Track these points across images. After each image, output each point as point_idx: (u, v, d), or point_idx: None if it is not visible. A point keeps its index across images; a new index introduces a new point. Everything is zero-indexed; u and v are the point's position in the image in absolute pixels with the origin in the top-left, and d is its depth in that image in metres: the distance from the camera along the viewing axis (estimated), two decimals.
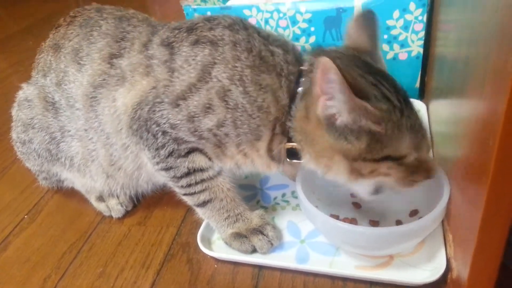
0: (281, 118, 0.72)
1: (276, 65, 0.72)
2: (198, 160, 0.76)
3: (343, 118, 0.63)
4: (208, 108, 0.71)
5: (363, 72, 0.66)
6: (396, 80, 0.69)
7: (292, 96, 0.71)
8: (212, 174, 0.78)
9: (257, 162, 0.76)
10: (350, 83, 0.59)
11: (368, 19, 0.75)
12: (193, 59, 0.72)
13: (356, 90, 0.60)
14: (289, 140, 0.73)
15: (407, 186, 0.68)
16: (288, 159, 0.76)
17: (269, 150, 0.74)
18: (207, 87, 0.71)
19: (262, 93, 0.70)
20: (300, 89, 0.71)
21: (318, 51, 0.73)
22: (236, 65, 0.71)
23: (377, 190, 0.70)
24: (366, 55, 0.72)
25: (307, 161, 0.73)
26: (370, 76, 0.66)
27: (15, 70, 1.81)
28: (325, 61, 0.58)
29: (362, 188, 0.71)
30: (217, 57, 0.71)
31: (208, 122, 0.71)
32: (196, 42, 0.73)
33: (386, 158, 0.65)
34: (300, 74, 0.72)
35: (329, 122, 0.65)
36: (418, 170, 0.67)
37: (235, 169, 0.79)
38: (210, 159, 0.77)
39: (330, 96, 0.62)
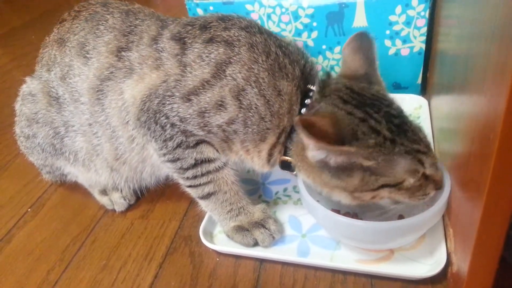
0: (287, 129, 0.73)
1: (295, 78, 0.72)
2: (207, 151, 0.77)
3: (332, 161, 0.66)
4: (220, 105, 0.71)
5: (353, 106, 0.67)
6: (392, 104, 0.70)
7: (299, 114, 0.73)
8: (219, 166, 0.79)
9: (255, 161, 0.78)
10: (330, 134, 0.62)
11: (362, 41, 0.75)
12: (207, 56, 0.72)
13: (338, 137, 0.62)
14: (285, 153, 0.75)
15: (419, 200, 0.69)
16: (280, 168, 0.78)
17: (270, 154, 0.76)
18: (220, 84, 0.71)
19: (280, 99, 0.71)
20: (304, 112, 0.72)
21: (324, 80, 0.74)
22: (253, 67, 0.71)
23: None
24: (362, 80, 0.73)
25: (304, 178, 0.76)
26: (359, 110, 0.67)
27: (18, 64, 1.82)
28: (298, 122, 0.61)
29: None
30: (233, 57, 0.72)
31: (219, 118, 0.72)
32: (210, 41, 0.74)
33: (383, 186, 0.67)
34: (305, 94, 0.73)
35: (321, 165, 0.67)
36: (427, 184, 0.68)
37: (239, 163, 0.81)
38: (217, 150, 0.78)
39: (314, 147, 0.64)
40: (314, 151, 0.65)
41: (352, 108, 0.67)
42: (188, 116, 0.73)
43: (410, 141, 0.66)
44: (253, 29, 0.75)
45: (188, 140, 0.76)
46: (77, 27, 0.86)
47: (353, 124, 0.65)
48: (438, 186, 0.70)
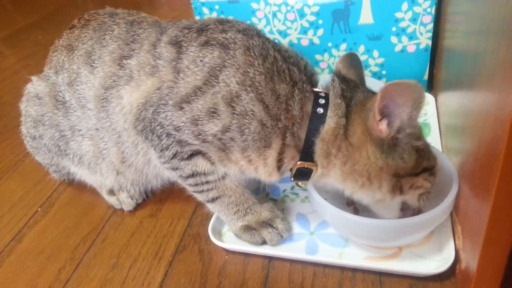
0: (290, 128, 0.70)
1: (293, 79, 0.71)
2: (201, 164, 0.76)
3: (401, 137, 0.66)
4: (213, 113, 0.70)
5: None
6: None
7: (312, 115, 0.70)
8: (217, 177, 0.78)
9: (260, 170, 0.74)
10: None
11: (352, 60, 0.80)
12: (201, 61, 0.71)
13: None
14: (303, 158, 0.71)
15: (426, 201, 0.72)
16: (292, 178, 0.74)
17: (279, 160, 0.72)
18: (213, 91, 0.69)
19: (279, 103, 0.69)
20: (320, 110, 0.69)
21: (337, 77, 0.74)
22: (249, 70, 0.69)
23: (402, 209, 0.74)
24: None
25: (321, 177, 0.73)
26: None
27: (25, 64, 1.83)
28: (412, 83, 0.59)
29: (388, 211, 0.74)
30: (227, 60, 0.70)
31: (212, 127, 0.70)
32: (205, 44, 0.72)
33: (424, 170, 0.69)
34: (317, 95, 0.71)
35: (390, 144, 0.66)
36: None
37: (239, 175, 0.78)
38: (213, 163, 0.76)
39: (392, 119, 0.64)
40: (392, 122, 0.64)
41: None
42: (181, 124, 0.72)
43: None
44: (251, 32, 0.74)
45: (183, 150, 0.75)
46: (85, 36, 0.87)
47: None
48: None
